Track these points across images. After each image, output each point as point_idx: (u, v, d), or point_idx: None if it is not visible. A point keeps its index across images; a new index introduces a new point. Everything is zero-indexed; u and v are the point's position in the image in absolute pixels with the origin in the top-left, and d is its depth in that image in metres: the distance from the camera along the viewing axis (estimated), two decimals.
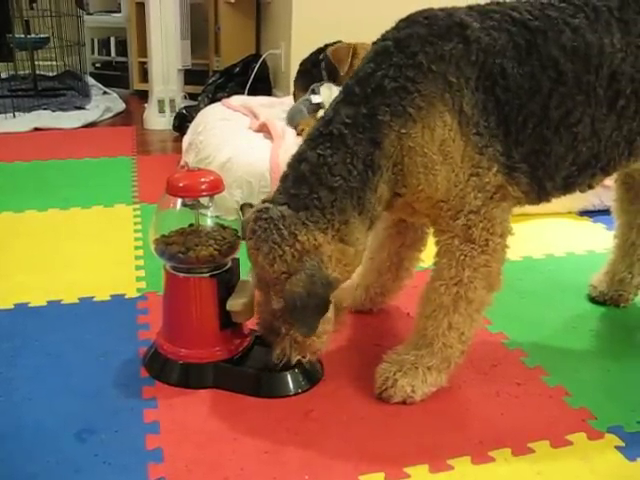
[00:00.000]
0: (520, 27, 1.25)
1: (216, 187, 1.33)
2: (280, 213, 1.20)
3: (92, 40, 5.26)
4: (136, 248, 2.04)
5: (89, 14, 4.99)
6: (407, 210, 1.33)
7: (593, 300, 1.75)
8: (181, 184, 1.32)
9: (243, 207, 1.36)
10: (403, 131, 1.21)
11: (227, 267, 1.37)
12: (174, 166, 2.94)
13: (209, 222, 1.39)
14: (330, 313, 1.28)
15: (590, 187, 1.39)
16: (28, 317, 1.62)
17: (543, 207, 1.44)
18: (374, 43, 1.30)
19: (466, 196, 1.24)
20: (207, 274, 1.34)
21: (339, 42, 2.72)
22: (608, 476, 1.15)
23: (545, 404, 1.33)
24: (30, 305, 1.67)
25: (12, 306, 1.66)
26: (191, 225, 1.38)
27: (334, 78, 2.29)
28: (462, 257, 1.26)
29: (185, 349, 1.36)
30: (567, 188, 1.35)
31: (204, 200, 1.35)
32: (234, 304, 1.34)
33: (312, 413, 1.28)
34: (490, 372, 1.43)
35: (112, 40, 5.17)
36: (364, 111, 1.21)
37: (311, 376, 1.38)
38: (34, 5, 4.60)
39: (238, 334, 1.41)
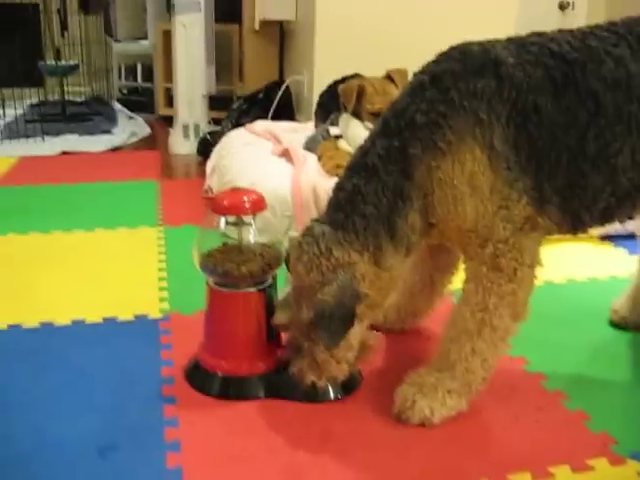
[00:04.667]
0: (558, 60, 1.25)
1: (259, 206, 1.37)
2: (321, 230, 1.28)
3: (119, 66, 5.35)
4: (160, 269, 2.07)
5: (117, 41, 5.09)
6: (442, 238, 1.35)
7: (614, 325, 1.74)
8: (226, 202, 1.37)
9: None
10: (434, 164, 1.24)
11: (270, 282, 1.42)
12: (198, 190, 2.97)
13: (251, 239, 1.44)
14: (356, 341, 1.32)
15: (630, 218, 1.38)
16: (53, 336, 1.65)
17: None
18: (414, 75, 1.33)
19: (494, 227, 1.26)
20: (254, 288, 1.39)
21: (356, 75, 2.73)
22: None
23: (565, 428, 1.32)
24: (55, 324, 1.70)
25: (38, 325, 1.69)
26: (225, 244, 1.43)
27: (353, 111, 2.31)
28: (489, 284, 1.27)
29: (233, 362, 1.40)
30: (605, 219, 1.35)
31: (247, 218, 1.40)
32: (282, 317, 1.38)
33: (331, 434, 1.28)
34: (510, 396, 1.43)
35: (138, 66, 5.25)
36: (396, 144, 1.26)
37: (349, 384, 1.42)
38: (65, 33, 4.70)
39: (280, 346, 1.46)
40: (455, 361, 1.30)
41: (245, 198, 1.37)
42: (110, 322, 1.72)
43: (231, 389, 1.40)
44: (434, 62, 1.31)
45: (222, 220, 1.41)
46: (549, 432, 1.31)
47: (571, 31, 1.31)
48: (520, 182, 1.24)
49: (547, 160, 1.25)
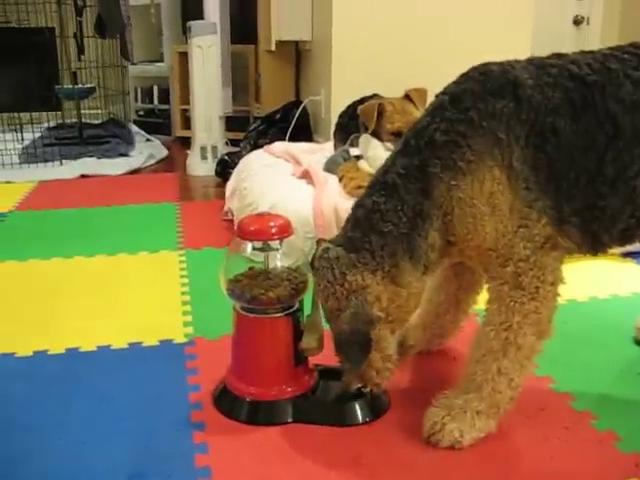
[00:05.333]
0: (577, 82, 1.25)
1: (286, 231, 1.39)
2: (335, 254, 1.29)
3: (135, 89, 5.40)
4: (183, 294, 2.07)
5: (133, 64, 5.14)
6: (462, 257, 1.36)
7: (639, 343, 1.73)
8: (252, 228, 1.38)
9: (318, 242, 1.41)
10: (453, 183, 1.25)
11: (297, 306, 1.43)
12: (217, 212, 2.99)
13: (278, 264, 1.45)
14: (392, 351, 1.33)
15: None
16: (79, 362, 1.66)
17: None
18: (436, 96, 1.35)
19: (515, 246, 1.26)
20: (282, 313, 1.40)
21: (375, 95, 2.75)
22: None
23: (595, 449, 1.31)
24: (81, 350, 1.71)
25: (63, 351, 1.70)
26: (251, 268, 1.44)
27: (373, 131, 2.32)
28: (512, 303, 1.27)
29: (261, 387, 1.41)
30: (625, 240, 1.35)
31: (274, 243, 1.41)
32: (309, 341, 1.39)
33: (361, 458, 1.28)
34: (538, 416, 1.42)
35: (155, 88, 5.30)
36: (416, 162, 1.28)
37: (378, 407, 1.43)
38: (81, 57, 4.76)
39: (307, 370, 1.46)
40: (482, 382, 1.30)
41: (272, 223, 1.38)
42: (135, 347, 1.73)
43: (260, 414, 1.40)
44: (455, 83, 1.32)
45: (248, 245, 1.42)
46: (579, 453, 1.30)
47: (592, 52, 1.32)
48: (540, 202, 1.25)
49: (566, 182, 1.25)
